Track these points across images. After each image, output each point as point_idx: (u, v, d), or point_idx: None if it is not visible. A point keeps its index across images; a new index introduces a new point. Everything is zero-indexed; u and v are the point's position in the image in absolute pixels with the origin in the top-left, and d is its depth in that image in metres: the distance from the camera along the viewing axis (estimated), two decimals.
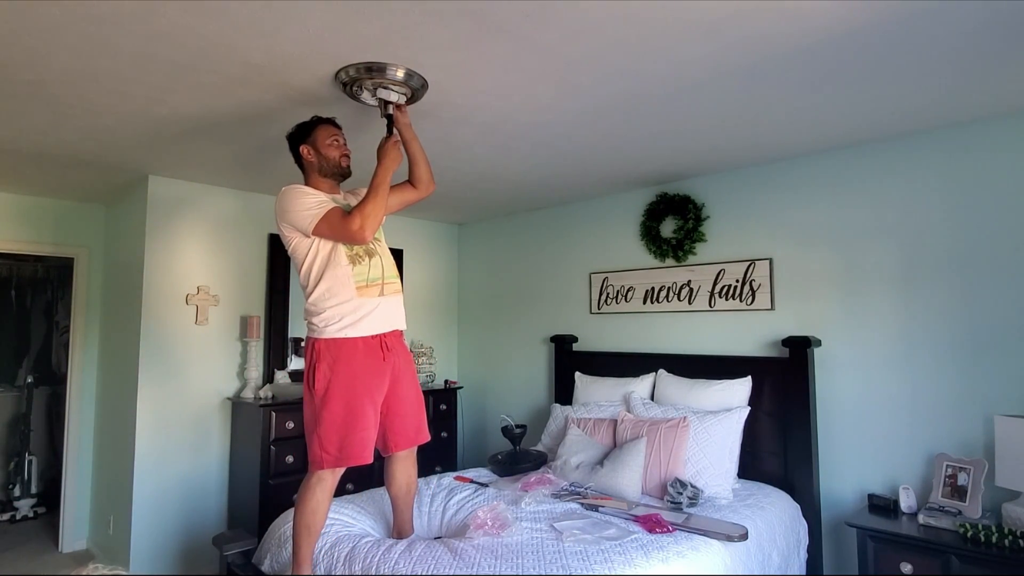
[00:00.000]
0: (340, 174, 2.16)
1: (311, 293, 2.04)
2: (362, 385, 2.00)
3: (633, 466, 2.71)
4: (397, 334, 2.16)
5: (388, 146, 2.08)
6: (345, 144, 2.16)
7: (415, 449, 2.28)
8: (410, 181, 2.29)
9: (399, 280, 2.19)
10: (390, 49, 1.86)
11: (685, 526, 2.25)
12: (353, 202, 2.14)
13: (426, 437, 2.27)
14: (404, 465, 2.25)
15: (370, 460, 2.02)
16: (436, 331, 4.75)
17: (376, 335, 2.06)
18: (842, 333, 2.86)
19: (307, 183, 2.13)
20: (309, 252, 2.03)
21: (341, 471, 2.02)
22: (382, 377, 2.07)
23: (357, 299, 2.02)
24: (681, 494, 2.52)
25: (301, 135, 2.13)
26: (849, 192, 2.87)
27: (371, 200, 1.98)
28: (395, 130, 2.15)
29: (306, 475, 2.02)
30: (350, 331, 2.01)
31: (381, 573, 1.92)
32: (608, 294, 3.83)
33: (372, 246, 2.11)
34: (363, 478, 3.23)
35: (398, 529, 2.30)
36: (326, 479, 1.99)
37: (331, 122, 2.16)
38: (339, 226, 1.98)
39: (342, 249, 2.04)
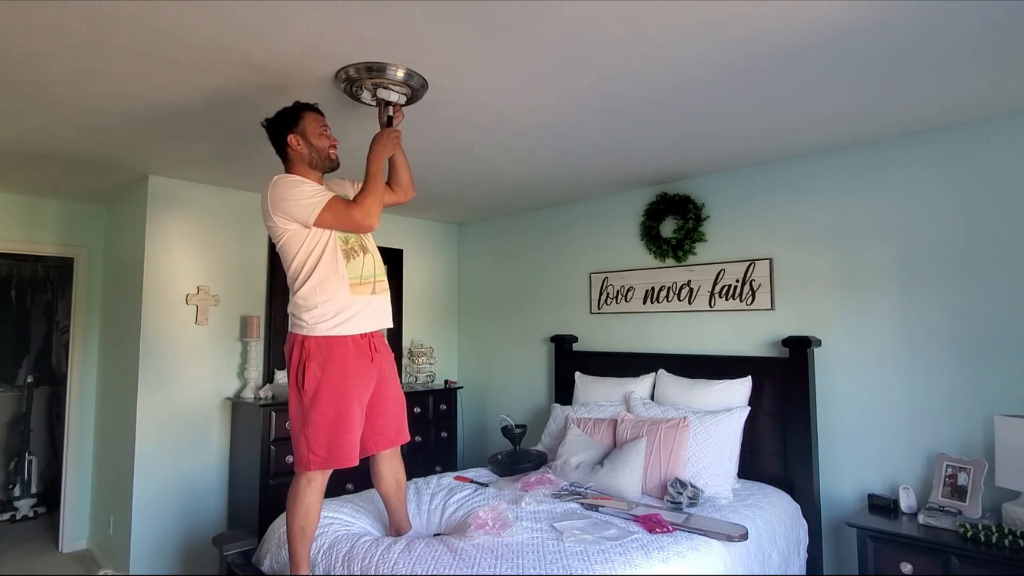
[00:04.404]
0: (330, 167, 2.09)
1: (300, 287, 1.97)
2: (352, 386, 1.98)
3: (633, 466, 2.71)
4: (381, 334, 2.15)
5: (384, 133, 2.04)
6: (331, 134, 2.10)
7: (398, 447, 2.26)
8: (390, 184, 2.23)
9: (386, 279, 2.17)
10: (390, 49, 1.86)
11: (685, 526, 2.25)
12: (339, 191, 2.11)
13: (406, 437, 2.24)
14: (390, 463, 2.24)
15: (356, 462, 2.00)
16: (436, 331, 4.75)
17: (365, 334, 2.04)
18: (842, 333, 2.86)
19: (292, 173, 2.05)
20: (303, 246, 1.97)
21: (330, 471, 2.00)
22: (370, 378, 2.05)
23: (350, 296, 1.99)
24: (681, 494, 2.52)
25: (286, 123, 2.02)
26: (849, 192, 2.87)
27: (370, 189, 1.96)
28: (392, 122, 2.11)
29: (294, 477, 2.01)
30: (342, 329, 1.98)
31: (380, 573, 1.92)
32: (608, 294, 3.82)
33: (365, 242, 2.10)
34: (363, 478, 3.23)
35: (395, 526, 2.30)
36: (316, 480, 1.98)
37: (316, 109, 2.07)
38: (344, 215, 1.93)
39: (337, 244, 2.00)
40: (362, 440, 2.07)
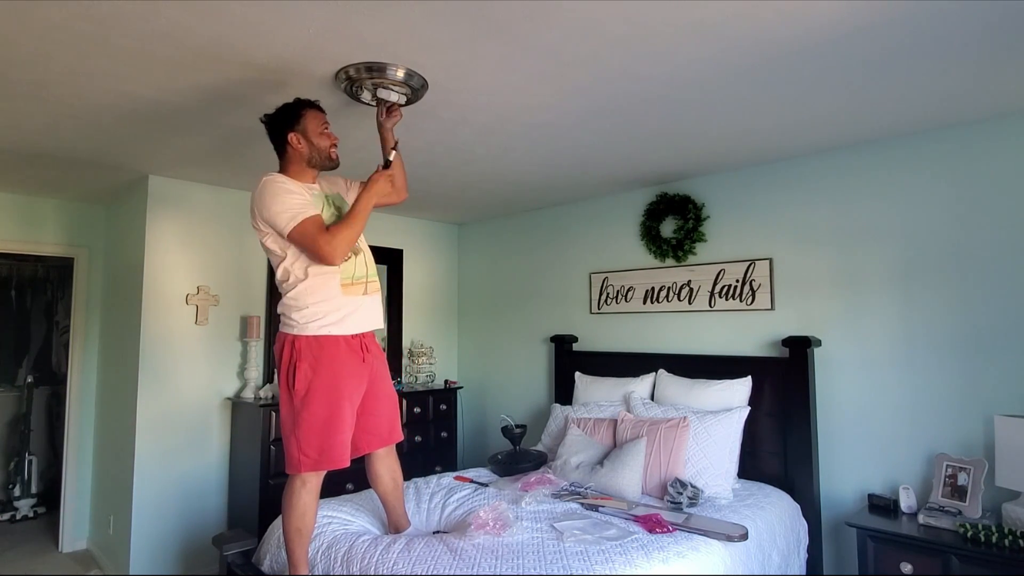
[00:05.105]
0: (330, 166, 2.07)
1: (292, 288, 1.96)
2: (343, 387, 1.96)
3: (633, 466, 2.71)
4: (372, 334, 2.14)
5: (379, 176, 2.03)
6: (332, 131, 2.08)
7: (393, 445, 2.26)
8: None
9: (378, 279, 2.17)
10: (390, 49, 1.86)
11: (685, 526, 2.25)
12: (331, 189, 2.12)
13: (399, 436, 2.24)
14: (387, 463, 2.24)
15: (347, 463, 1.98)
16: (436, 331, 4.75)
17: (357, 335, 2.03)
18: (842, 333, 2.86)
19: (287, 171, 2.02)
20: (292, 246, 1.95)
21: (324, 472, 1.99)
22: (361, 379, 2.04)
23: (342, 297, 1.98)
24: (681, 494, 2.52)
25: (288, 120, 1.98)
26: (849, 192, 2.87)
27: (349, 225, 1.93)
28: (390, 164, 2.08)
29: (289, 478, 1.99)
30: (333, 329, 1.96)
31: (380, 573, 1.92)
32: (608, 294, 3.82)
33: (357, 244, 2.08)
34: (363, 477, 3.22)
35: (394, 525, 2.30)
36: (310, 480, 1.97)
37: (317, 106, 2.04)
38: (312, 239, 1.88)
39: None
40: (354, 440, 2.06)
